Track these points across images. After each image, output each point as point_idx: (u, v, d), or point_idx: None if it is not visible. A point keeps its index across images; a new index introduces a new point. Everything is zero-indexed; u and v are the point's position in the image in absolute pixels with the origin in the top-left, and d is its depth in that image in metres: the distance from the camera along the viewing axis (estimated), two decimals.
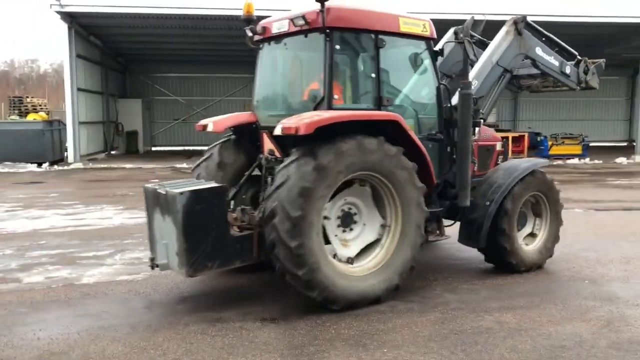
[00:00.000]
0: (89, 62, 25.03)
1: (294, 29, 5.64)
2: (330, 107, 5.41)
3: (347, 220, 5.58)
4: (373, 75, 5.71)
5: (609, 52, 30.13)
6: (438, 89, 6.19)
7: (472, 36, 6.85)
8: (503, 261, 6.45)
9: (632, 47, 27.75)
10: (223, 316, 5.24)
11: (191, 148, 31.59)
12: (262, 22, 6.12)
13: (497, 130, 29.74)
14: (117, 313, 5.38)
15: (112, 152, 27.78)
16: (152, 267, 5.45)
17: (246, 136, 6.41)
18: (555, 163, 24.32)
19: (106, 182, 16.64)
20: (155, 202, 5.35)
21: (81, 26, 22.61)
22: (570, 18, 21.93)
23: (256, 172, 6.28)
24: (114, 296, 5.91)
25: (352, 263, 5.50)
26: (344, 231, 5.58)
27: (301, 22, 5.49)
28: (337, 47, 5.51)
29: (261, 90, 6.49)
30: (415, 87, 6.34)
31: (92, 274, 6.72)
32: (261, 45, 6.29)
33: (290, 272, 5.03)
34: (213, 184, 5.42)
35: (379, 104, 5.67)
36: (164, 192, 5.15)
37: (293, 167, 5.01)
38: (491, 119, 33.52)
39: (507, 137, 26.74)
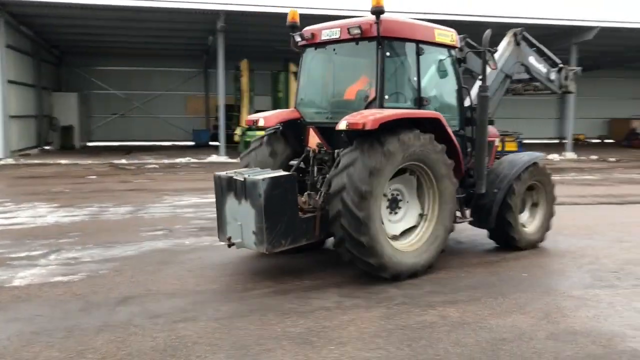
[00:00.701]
0: (20, 54, 23.91)
1: (346, 36, 6.43)
2: (381, 106, 6.21)
3: (394, 204, 6.43)
4: (414, 78, 6.55)
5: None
6: (460, 91, 7.11)
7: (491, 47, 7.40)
8: (508, 237, 7.47)
9: (561, 49, 28.93)
10: (165, 317, 5.08)
11: (130, 143, 30.75)
12: (310, 29, 6.86)
13: None
14: (52, 316, 5.12)
15: (46, 148, 26.67)
16: (229, 246, 6.07)
17: (290, 130, 7.14)
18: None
19: (40, 179, 15.92)
20: (230, 188, 6.04)
21: (11, 15, 21.53)
22: (499, 19, 22.53)
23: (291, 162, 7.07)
24: (48, 298, 5.62)
25: (396, 240, 6.35)
26: (390, 213, 6.40)
27: (357, 31, 6.28)
28: (387, 53, 6.31)
29: (306, 90, 7.26)
30: (443, 89, 7.14)
31: (24, 276, 6.37)
32: (305, 50, 7.12)
33: (354, 239, 5.77)
34: (286, 172, 6.16)
35: (419, 103, 6.54)
36: (242, 179, 5.84)
37: (360, 151, 5.81)
38: None
39: None
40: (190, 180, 15.75)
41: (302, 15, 7.22)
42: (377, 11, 6.05)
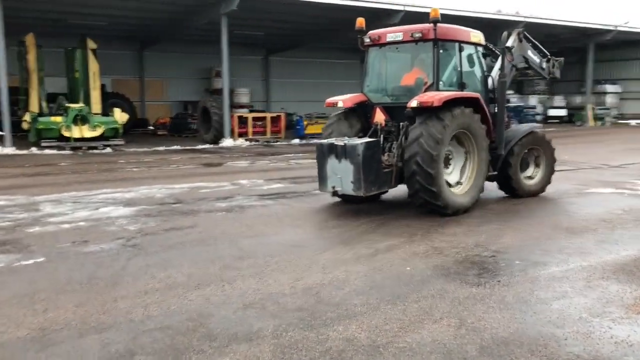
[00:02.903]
0: None
1: (408, 38, 8.59)
2: (437, 90, 8.29)
3: (448, 161, 8.52)
4: (458, 69, 8.76)
5: (349, 37, 32.32)
6: (485, 77, 9.40)
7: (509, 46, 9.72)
8: (510, 187, 9.66)
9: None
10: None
11: None
12: (377, 33, 9.05)
13: (252, 111, 30.17)
14: None
15: None
16: (333, 194, 8.58)
17: (358, 109, 9.25)
18: (312, 142, 24.98)
19: None
20: (331, 151, 8.15)
21: None
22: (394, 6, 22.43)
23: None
24: None
25: (451, 187, 8.46)
26: (444, 167, 8.29)
27: (418, 34, 8.44)
28: (441, 51, 8.49)
29: (373, 79, 9.49)
30: (474, 76, 9.24)
31: None
32: (369, 49, 9.26)
33: (427, 189, 7.85)
34: (373, 139, 8.31)
35: (462, 87, 8.69)
36: (342, 144, 7.98)
37: (427, 124, 7.85)
38: (245, 100, 33.48)
39: (265, 117, 26.82)
40: None
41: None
42: (435, 20, 8.25)
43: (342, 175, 8.07)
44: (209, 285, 5.29)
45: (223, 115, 23.45)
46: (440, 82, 8.47)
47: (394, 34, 8.80)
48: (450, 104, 7.96)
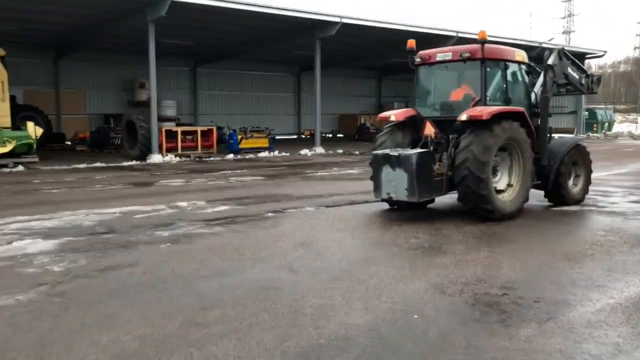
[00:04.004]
0: None
1: (457, 57, 9.35)
2: (485, 104, 9.02)
3: (495, 170, 9.07)
4: (504, 85, 9.42)
5: (281, 49, 31.26)
6: (529, 93, 10.02)
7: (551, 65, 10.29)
8: (560, 195, 10.22)
9: (299, 45, 29.03)
10: None
11: None
12: (427, 53, 9.83)
13: (179, 125, 28.39)
14: None
15: None
16: (388, 200, 9.36)
17: (409, 123, 9.89)
18: (248, 157, 23.68)
19: None
20: (386, 160, 8.88)
21: None
22: (249, 7, 21.25)
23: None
24: None
25: (498, 194, 8.99)
26: (492, 175, 8.87)
27: (467, 54, 9.21)
28: (488, 69, 9.18)
29: (422, 95, 10.30)
30: (519, 92, 9.82)
31: None
32: (420, 67, 9.98)
33: (477, 193, 8.54)
34: (425, 149, 9.08)
35: (507, 102, 9.31)
36: (397, 154, 8.73)
37: (477, 135, 8.55)
38: (171, 113, 31.60)
39: (195, 131, 25.17)
40: None
41: None
42: (482, 41, 8.94)
43: (396, 183, 8.74)
44: (173, 354, 4.00)
45: (151, 129, 21.72)
46: (487, 98, 9.09)
47: (443, 53, 9.62)
48: (497, 118, 8.56)
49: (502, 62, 9.35)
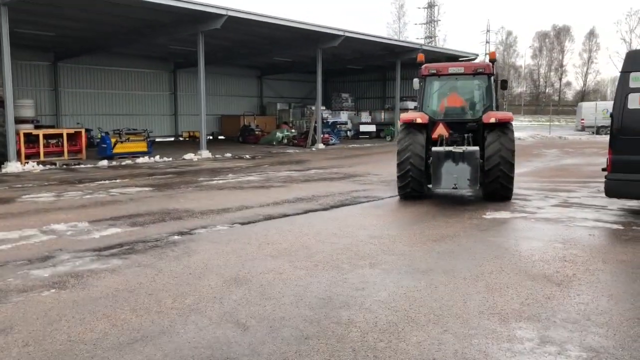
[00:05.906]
0: None
1: (470, 72, 11.58)
2: (494, 110, 11.37)
3: None
4: (495, 94, 11.77)
5: (157, 43, 28.64)
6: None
7: None
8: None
9: (175, 39, 26.75)
10: None
11: None
12: (438, 66, 11.89)
13: (38, 127, 24.74)
14: None
15: None
16: (455, 188, 10.47)
17: (424, 124, 11.29)
18: (124, 163, 21.07)
19: None
20: (448, 156, 10.31)
21: None
22: None
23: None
24: None
25: None
26: None
27: (481, 70, 11.49)
28: (493, 82, 11.60)
29: (433, 101, 11.89)
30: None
31: None
32: (426, 78, 11.82)
33: (507, 187, 10.75)
34: (476, 147, 10.58)
35: (497, 108, 11.78)
36: (460, 151, 10.26)
37: (503, 138, 10.59)
38: (29, 113, 27.66)
39: (61, 134, 21.97)
40: None
41: None
42: (492, 60, 12.11)
43: (459, 175, 10.26)
44: None
45: (7, 133, 18.45)
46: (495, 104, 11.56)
47: (455, 67, 11.76)
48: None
49: (493, 76, 11.62)
